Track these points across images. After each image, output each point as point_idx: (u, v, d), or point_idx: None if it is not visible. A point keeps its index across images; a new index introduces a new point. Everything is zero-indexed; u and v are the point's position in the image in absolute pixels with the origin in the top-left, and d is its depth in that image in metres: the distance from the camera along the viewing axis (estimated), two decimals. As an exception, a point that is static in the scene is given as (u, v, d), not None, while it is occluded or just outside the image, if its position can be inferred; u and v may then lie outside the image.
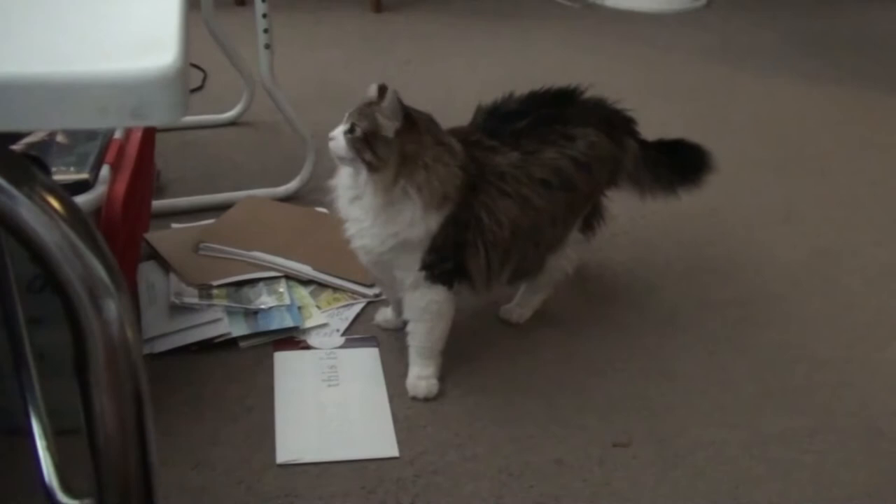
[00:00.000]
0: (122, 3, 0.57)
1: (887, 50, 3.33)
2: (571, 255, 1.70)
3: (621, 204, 1.79)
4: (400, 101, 1.40)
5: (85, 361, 0.61)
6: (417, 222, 1.43)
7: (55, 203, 0.57)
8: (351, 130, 1.41)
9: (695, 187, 1.77)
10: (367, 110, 1.42)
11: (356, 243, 1.50)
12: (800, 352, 1.72)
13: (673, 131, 1.80)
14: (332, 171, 1.55)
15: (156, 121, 0.48)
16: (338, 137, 1.42)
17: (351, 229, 1.50)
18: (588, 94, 1.65)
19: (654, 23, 3.51)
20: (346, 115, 1.44)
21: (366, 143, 1.40)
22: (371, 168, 1.41)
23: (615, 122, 1.66)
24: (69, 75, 0.48)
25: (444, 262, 1.48)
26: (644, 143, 1.72)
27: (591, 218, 1.71)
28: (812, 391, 1.62)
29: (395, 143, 1.40)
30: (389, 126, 1.40)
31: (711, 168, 1.76)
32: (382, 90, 1.45)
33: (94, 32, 0.52)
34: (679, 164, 1.76)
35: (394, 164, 1.40)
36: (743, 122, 2.68)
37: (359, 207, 1.47)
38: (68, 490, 0.79)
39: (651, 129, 1.75)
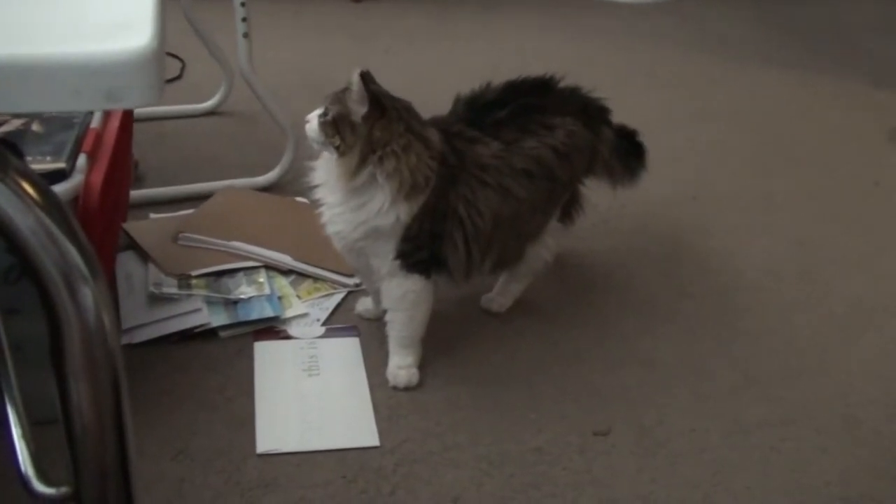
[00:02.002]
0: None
1: (864, 40, 3.35)
2: (551, 244, 1.70)
3: (601, 193, 1.79)
4: (367, 86, 1.40)
5: (61, 349, 0.60)
6: (387, 210, 1.43)
7: (29, 188, 0.57)
8: (324, 114, 1.43)
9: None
10: (341, 95, 1.43)
11: (330, 229, 1.51)
12: (778, 340, 1.73)
13: (651, 121, 1.81)
14: (311, 161, 1.54)
15: (131, 103, 0.47)
16: (312, 121, 1.45)
17: (325, 214, 1.50)
18: (564, 83, 1.65)
19: (634, 12, 3.51)
20: (324, 99, 1.46)
21: (335, 128, 1.42)
22: (338, 152, 1.43)
23: (591, 111, 1.67)
24: (42, 57, 0.47)
25: (419, 251, 1.48)
26: (615, 134, 1.73)
27: (570, 207, 1.71)
28: (790, 379, 1.63)
29: (363, 128, 1.41)
30: (358, 111, 1.41)
31: (645, 166, 1.79)
32: (365, 76, 1.44)
33: (67, 14, 0.51)
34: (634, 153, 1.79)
35: (359, 149, 1.41)
36: (721, 111, 2.69)
37: (331, 192, 1.48)
38: (45, 478, 0.78)
39: (630, 117, 1.76)
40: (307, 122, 1.45)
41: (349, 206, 1.46)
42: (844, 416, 1.55)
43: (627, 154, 1.74)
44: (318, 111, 1.45)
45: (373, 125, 1.41)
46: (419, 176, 1.43)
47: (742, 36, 3.35)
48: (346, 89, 1.43)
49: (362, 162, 1.41)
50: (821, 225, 2.12)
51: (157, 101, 0.49)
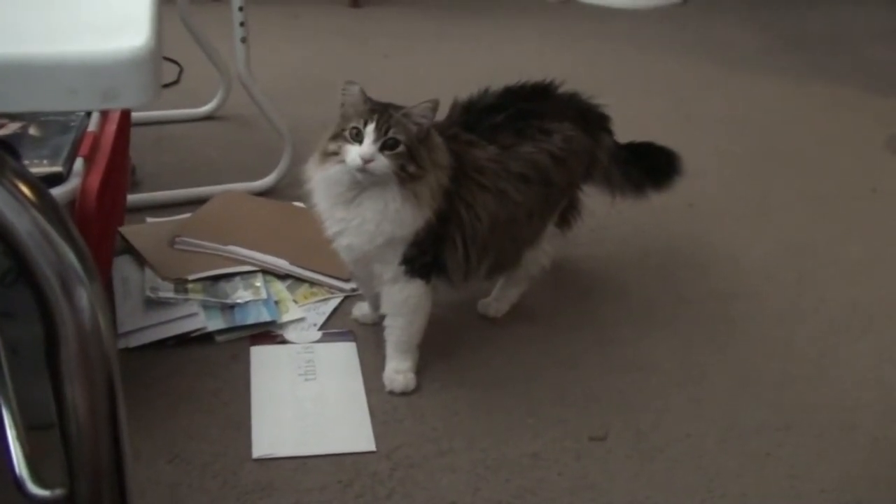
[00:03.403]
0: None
1: (860, 47, 3.36)
2: (548, 249, 1.70)
3: (598, 199, 1.79)
4: (434, 105, 1.39)
5: (56, 350, 0.60)
6: (416, 219, 1.42)
7: (25, 189, 0.57)
8: (390, 146, 1.37)
9: (665, 189, 1.79)
10: (391, 120, 1.37)
11: (341, 242, 1.48)
12: (775, 346, 1.73)
13: (650, 127, 1.81)
14: (306, 185, 1.50)
15: (127, 103, 0.47)
16: (377, 157, 1.36)
17: (334, 228, 1.47)
18: (563, 89, 1.65)
19: (633, 19, 3.52)
20: (368, 128, 1.37)
21: (410, 156, 1.38)
22: (412, 178, 1.39)
23: (590, 117, 1.66)
24: (39, 56, 0.47)
25: (423, 255, 1.48)
26: (616, 143, 1.72)
27: (568, 213, 1.71)
28: (787, 385, 1.63)
29: (424, 145, 1.40)
30: (419, 130, 1.39)
31: (680, 171, 1.77)
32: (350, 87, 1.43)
33: (64, 13, 0.51)
34: (649, 166, 1.77)
35: (432, 166, 1.40)
36: (719, 118, 2.69)
37: (345, 209, 1.43)
38: (39, 481, 0.78)
39: (628, 124, 1.76)
40: (367, 160, 1.35)
41: (374, 220, 1.42)
42: (841, 421, 1.55)
43: (627, 163, 1.74)
44: (371, 147, 1.36)
45: (428, 138, 1.41)
46: (445, 179, 1.43)
47: (740, 42, 3.36)
48: (385, 113, 1.38)
49: (440, 178, 1.41)
50: (818, 231, 2.13)
51: (153, 101, 0.49)
